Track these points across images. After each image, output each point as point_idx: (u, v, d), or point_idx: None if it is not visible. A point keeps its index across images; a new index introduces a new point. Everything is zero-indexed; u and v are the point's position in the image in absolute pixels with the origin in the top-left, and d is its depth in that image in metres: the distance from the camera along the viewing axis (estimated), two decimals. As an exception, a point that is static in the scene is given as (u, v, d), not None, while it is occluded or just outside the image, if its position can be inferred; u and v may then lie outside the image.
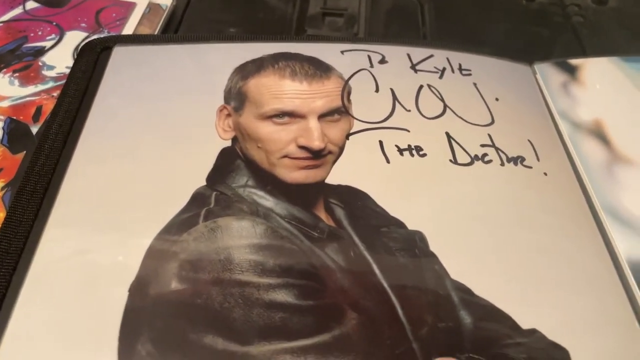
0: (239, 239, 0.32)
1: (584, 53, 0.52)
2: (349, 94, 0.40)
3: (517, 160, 0.38)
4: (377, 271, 0.31)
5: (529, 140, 0.40)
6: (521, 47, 0.53)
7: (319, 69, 0.40)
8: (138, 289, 0.30)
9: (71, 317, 0.29)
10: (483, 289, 0.30)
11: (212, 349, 0.27)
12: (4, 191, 0.36)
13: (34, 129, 0.40)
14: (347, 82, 0.41)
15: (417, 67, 0.43)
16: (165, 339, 0.28)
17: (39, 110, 0.41)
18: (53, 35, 0.47)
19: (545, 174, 0.37)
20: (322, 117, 0.37)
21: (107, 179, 0.36)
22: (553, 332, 0.29)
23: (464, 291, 0.30)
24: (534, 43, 0.54)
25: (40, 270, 0.31)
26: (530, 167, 0.38)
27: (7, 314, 0.29)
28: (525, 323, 0.29)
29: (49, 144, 0.38)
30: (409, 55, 0.44)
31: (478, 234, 0.33)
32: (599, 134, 0.40)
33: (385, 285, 0.30)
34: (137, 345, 0.28)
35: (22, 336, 0.28)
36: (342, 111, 0.38)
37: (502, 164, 0.37)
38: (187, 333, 0.28)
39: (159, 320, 0.29)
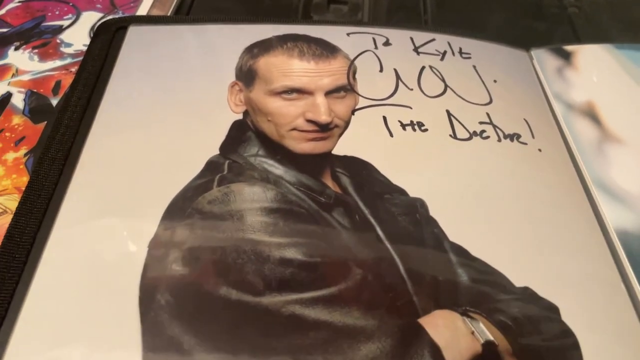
0: (251, 202, 0.34)
1: (579, 42, 0.54)
2: (354, 73, 0.42)
3: (513, 137, 0.40)
4: (380, 233, 0.33)
5: (524, 119, 0.42)
6: (518, 36, 0.55)
7: (325, 50, 0.42)
8: (157, 245, 0.32)
9: (94, 271, 0.31)
10: (479, 251, 0.33)
11: (227, 299, 0.29)
12: (26, 157, 0.38)
13: (54, 102, 0.41)
14: (352, 62, 0.43)
15: (420, 50, 0.46)
16: (183, 290, 0.30)
17: (58, 84, 0.43)
18: (70, 15, 0.49)
19: (540, 150, 0.40)
20: (328, 93, 0.39)
21: (124, 148, 0.38)
22: (544, 290, 0.31)
23: (461, 252, 0.32)
24: (531, 32, 0.56)
25: (63, 230, 0.33)
26: (526, 144, 0.40)
27: (33, 269, 0.31)
28: (518, 282, 0.32)
29: (69, 114, 0.40)
30: (411, 39, 0.46)
31: (475, 202, 0.35)
32: (591, 115, 0.43)
33: (388, 245, 0.32)
34: (157, 295, 0.30)
35: (47, 286, 0.30)
36: (348, 89, 0.40)
37: (499, 140, 0.39)
38: (202, 285, 0.30)
39: (176, 274, 0.30)
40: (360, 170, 0.36)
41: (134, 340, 0.28)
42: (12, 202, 0.35)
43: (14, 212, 0.34)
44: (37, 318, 0.29)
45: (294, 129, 0.37)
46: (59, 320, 0.29)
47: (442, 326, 0.29)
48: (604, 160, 0.39)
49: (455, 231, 0.33)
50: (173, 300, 0.29)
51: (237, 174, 0.35)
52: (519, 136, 0.40)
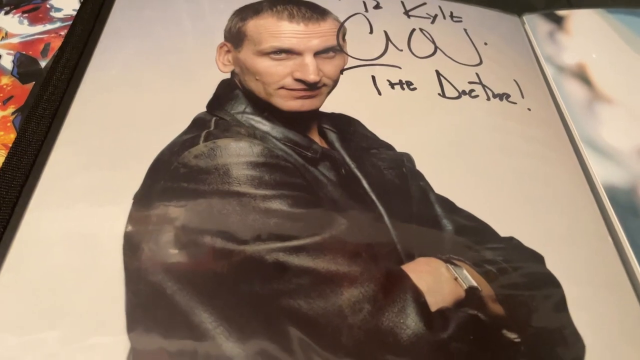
0: (237, 157, 0.34)
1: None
2: (344, 34, 0.42)
3: (503, 96, 0.40)
4: (365, 185, 0.33)
5: (514, 80, 0.41)
6: (511, 3, 0.54)
7: (315, 12, 0.42)
8: (142, 197, 0.32)
9: (79, 223, 0.31)
10: (465, 203, 0.33)
11: (211, 247, 0.29)
12: (14, 116, 0.38)
13: (43, 63, 0.41)
14: (342, 24, 0.43)
15: (410, 13, 0.45)
16: (166, 238, 0.30)
17: (47, 47, 0.43)
18: (60, -19, 0.49)
19: (529, 109, 0.39)
20: (317, 54, 0.39)
21: (112, 107, 0.37)
22: (529, 241, 0.31)
23: (447, 203, 0.32)
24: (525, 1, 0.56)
25: (49, 183, 0.33)
26: (515, 103, 0.40)
27: (17, 222, 0.31)
28: (503, 232, 0.31)
29: (57, 74, 0.40)
30: (402, 3, 0.46)
31: (462, 157, 0.35)
32: (582, 76, 0.42)
33: (373, 196, 0.32)
34: (141, 243, 0.30)
35: (32, 240, 0.30)
36: (337, 49, 0.40)
37: (488, 99, 0.39)
38: (187, 234, 0.30)
39: (160, 223, 0.30)
40: (347, 127, 0.36)
41: (118, 288, 0.28)
42: (-1, 158, 0.35)
43: (0, 167, 0.34)
44: (22, 268, 0.29)
45: (282, 87, 0.37)
46: (43, 271, 0.29)
47: (426, 272, 0.29)
48: (593, 119, 0.39)
49: (441, 184, 0.33)
50: (157, 248, 0.29)
51: (224, 130, 0.35)
52: (508, 96, 0.40)
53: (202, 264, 0.29)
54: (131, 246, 0.30)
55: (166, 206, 0.31)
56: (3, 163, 0.34)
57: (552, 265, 0.30)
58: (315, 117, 0.37)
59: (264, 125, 0.36)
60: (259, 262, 0.29)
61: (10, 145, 0.35)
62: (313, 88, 0.38)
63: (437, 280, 0.28)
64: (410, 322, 0.27)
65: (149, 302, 0.27)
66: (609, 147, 0.37)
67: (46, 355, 0.25)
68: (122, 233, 0.30)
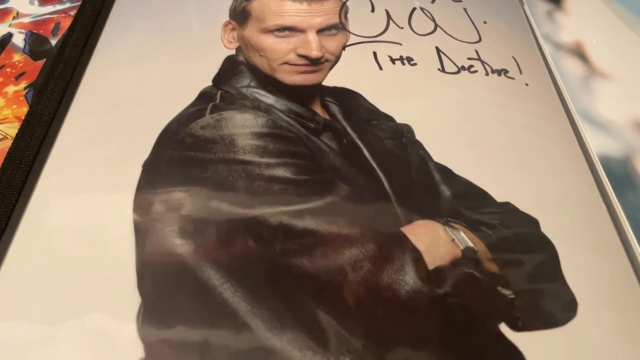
0: (242, 127, 0.35)
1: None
2: (345, 13, 0.43)
3: (501, 72, 0.41)
4: (367, 154, 0.34)
5: (513, 57, 0.42)
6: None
7: (318, -9, 0.43)
8: (150, 165, 0.33)
9: (91, 189, 0.32)
10: (463, 171, 0.34)
11: (217, 211, 0.31)
12: (26, 90, 0.39)
13: (53, 42, 0.43)
14: (344, 3, 0.44)
15: (411, -7, 0.46)
16: (175, 202, 0.31)
17: (57, 26, 0.44)
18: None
19: (527, 84, 0.40)
20: (320, 31, 0.40)
21: (121, 82, 0.39)
22: (525, 206, 0.32)
23: (445, 170, 0.33)
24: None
25: (62, 153, 0.34)
26: (513, 79, 0.41)
27: (32, 185, 0.33)
28: (499, 198, 0.32)
29: (68, 52, 0.41)
30: (403, -17, 0.47)
31: (461, 128, 0.36)
32: (579, 53, 0.43)
33: (374, 164, 0.33)
34: (151, 207, 0.31)
35: (44, 205, 0.31)
36: (339, 27, 0.41)
37: (487, 74, 0.40)
38: (193, 199, 0.31)
39: (168, 189, 0.32)
40: (349, 99, 0.37)
41: (129, 248, 0.29)
42: (12, 130, 0.36)
43: (13, 138, 0.35)
44: (34, 232, 0.30)
45: (286, 62, 0.38)
46: (55, 230, 0.30)
47: (424, 233, 0.30)
48: (589, 93, 0.40)
49: (440, 154, 0.34)
50: (165, 210, 0.30)
51: (229, 103, 0.37)
52: (506, 71, 0.41)
53: (209, 226, 0.30)
54: (141, 210, 0.31)
55: (174, 174, 0.33)
56: (17, 134, 0.35)
57: (547, 228, 0.31)
58: (318, 91, 0.38)
59: (268, 98, 0.37)
60: (264, 225, 0.30)
61: (23, 117, 0.37)
62: (316, 63, 0.39)
63: (434, 241, 0.29)
64: (409, 279, 0.28)
65: (157, 254, 0.28)
66: (604, 120, 0.38)
67: (52, 343, 0.26)
68: (132, 197, 0.31)
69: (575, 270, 0.30)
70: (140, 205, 0.31)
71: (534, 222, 0.31)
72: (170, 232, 0.30)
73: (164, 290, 0.27)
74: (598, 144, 0.37)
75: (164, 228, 0.30)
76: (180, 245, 0.29)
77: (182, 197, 0.31)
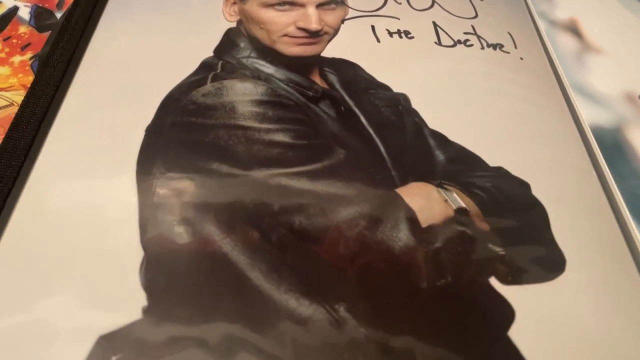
0: (242, 95, 0.36)
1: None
2: (345, -12, 0.44)
3: (497, 46, 0.42)
4: (364, 121, 0.35)
5: (508, 33, 0.43)
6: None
7: (317, -33, 0.44)
8: (153, 129, 0.34)
9: (94, 152, 0.33)
10: (457, 138, 0.34)
11: (218, 172, 0.32)
12: (32, 60, 0.40)
13: (58, 15, 0.44)
14: (343, -22, 0.45)
15: (409, -30, 0.47)
16: (177, 164, 0.32)
17: (62, 0, 0.45)
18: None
19: (522, 58, 0.41)
20: (319, 6, 0.41)
21: (124, 53, 0.40)
22: (517, 171, 0.33)
23: (440, 137, 0.34)
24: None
25: (65, 121, 0.35)
26: (508, 53, 0.41)
27: (35, 155, 0.33)
28: (492, 163, 0.33)
29: (72, 24, 0.42)
30: (402, -40, 0.48)
31: (456, 98, 0.37)
32: (573, 29, 0.44)
33: (371, 130, 0.34)
34: (153, 168, 0.32)
35: (49, 170, 0.32)
36: (339, 2, 0.42)
37: (482, 48, 0.41)
38: (195, 161, 0.32)
39: (171, 152, 0.33)
40: (347, 70, 0.38)
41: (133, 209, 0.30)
42: (18, 97, 0.37)
43: (20, 105, 0.36)
44: (38, 195, 0.31)
45: (285, 35, 0.39)
46: (58, 201, 0.31)
47: (417, 195, 0.31)
48: (582, 67, 0.41)
49: (435, 121, 0.35)
50: (165, 169, 0.31)
51: (230, 72, 0.37)
52: (501, 46, 0.42)
53: (210, 188, 0.31)
54: (144, 169, 0.32)
55: (175, 137, 0.34)
56: (23, 100, 0.36)
57: (537, 191, 0.32)
58: (317, 62, 0.39)
59: (267, 68, 0.38)
60: (262, 185, 0.31)
61: (29, 85, 0.38)
62: (315, 36, 0.40)
63: (428, 201, 0.30)
64: (402, 236, 0.29)
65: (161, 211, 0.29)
66: (596, 92, 0.39)
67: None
68: (135, 161, 0.32)
69: (565, 230, 0.31)
70: (143, 164, 0.32)
71: (525, 186, 0.32)
72: (172, 192, 0.31)
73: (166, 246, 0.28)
74: (590, 114, 0.38)
75: (165, 186, 0.31)
76: (178, 201, 0.30)
77: (183, 158, 0.32)
